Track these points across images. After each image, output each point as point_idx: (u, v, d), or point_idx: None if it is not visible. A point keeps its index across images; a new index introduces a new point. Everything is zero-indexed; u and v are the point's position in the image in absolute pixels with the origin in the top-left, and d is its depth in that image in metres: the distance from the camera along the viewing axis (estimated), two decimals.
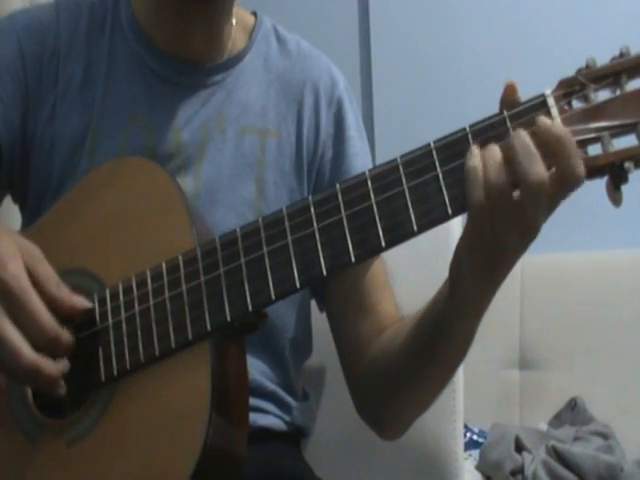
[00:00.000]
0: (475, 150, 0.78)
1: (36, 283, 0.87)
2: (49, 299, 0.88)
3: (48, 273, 0.89)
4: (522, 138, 0.76)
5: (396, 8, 2.61)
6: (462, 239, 0.84)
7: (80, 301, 0.91)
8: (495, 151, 0.78)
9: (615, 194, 0.76)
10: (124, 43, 1.16)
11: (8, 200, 1.21)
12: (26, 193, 1.16)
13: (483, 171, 0.77)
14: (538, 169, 0.75)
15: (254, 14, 1.24)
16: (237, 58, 1.18)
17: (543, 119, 0.76)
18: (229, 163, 1.13)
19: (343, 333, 1.16)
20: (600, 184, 0.78)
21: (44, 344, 0.85)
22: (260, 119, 1.17)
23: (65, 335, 0.87)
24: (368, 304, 1.14)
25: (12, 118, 1.12)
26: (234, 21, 1.19)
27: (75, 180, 1.09)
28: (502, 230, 0.79)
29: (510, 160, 0.77)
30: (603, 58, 0.78)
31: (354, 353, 1.14)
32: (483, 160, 0.77)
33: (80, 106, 1.13)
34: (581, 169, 0.75)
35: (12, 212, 1.23)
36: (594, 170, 0.76)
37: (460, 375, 1.42)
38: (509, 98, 0.81)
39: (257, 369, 1.11)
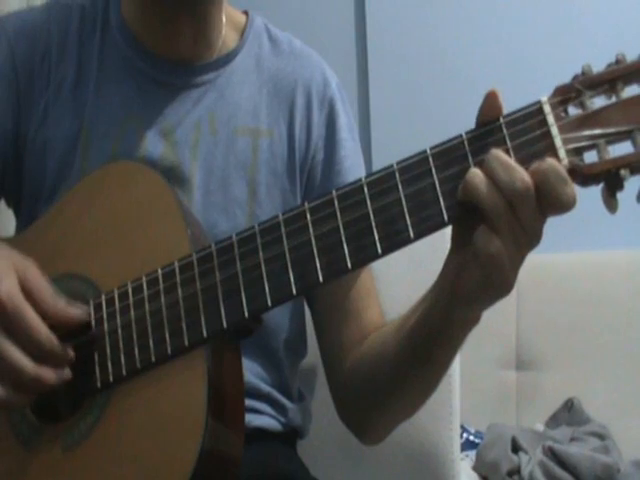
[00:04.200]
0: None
1: (31, 297, 0.87)
2: (45, 312, 0.88)
3: (43, 287, 0.89)
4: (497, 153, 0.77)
5: (392, 8, 2.61)
6: (469, 272, 0.82)
7: (77, 312, 0.91)
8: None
9: (611, 201, 0.76)
10: (114, 45, 1.16)
11: (4, 204, 1.21)
12: (20, 197, 1.16)
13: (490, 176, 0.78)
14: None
15: (245, 13, 1.24)
16: (228, 57, 1.18)
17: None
18: (221, 164, 1.13)
19: (327, 338, 1.16)
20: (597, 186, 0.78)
21: (42, 356, 0.86)
22: (252, 119, 1.16)
23: (61, 345, 0.88)
24: (353, 310, 1.13)
25: (4, 122, 1.12)
26: (224, 18, 1.18)
27: (68, 182, 1.09)
28: (515, 250, 0.78)
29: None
30: (599, 64, 0.78)
31: (337, 358, 1.13)
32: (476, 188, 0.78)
33: (72, 108, 1.13)
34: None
35: (9, 214, 1.22)
36: (590, 177, 0.76)
37: (456, 376, 1.42)
38: (490, 106, 0.80)
39: (252, 371, 1.11)
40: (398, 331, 1.00)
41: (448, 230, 0.84)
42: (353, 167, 1.17)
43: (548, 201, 0.76)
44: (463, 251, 0.82)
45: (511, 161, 0.77)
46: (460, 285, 0.84)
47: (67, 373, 0.89)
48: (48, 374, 0.87)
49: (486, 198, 0.77)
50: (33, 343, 0.85)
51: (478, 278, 0.81)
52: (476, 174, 0.77)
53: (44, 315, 0.88)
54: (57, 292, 0.91)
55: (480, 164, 0.78)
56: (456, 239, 0.84)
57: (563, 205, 0.76)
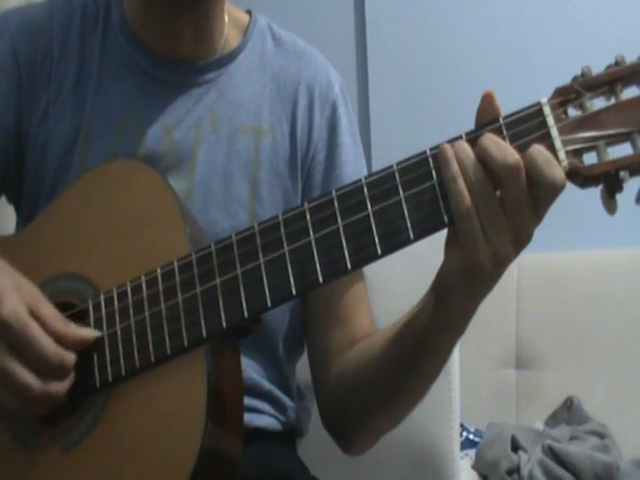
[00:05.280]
0: (449, 152, 0.79)
1: (40, 322, 0.87)
2: (56, 336, 0.88)
3: (51, 312, 0.89)
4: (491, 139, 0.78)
5: (392, 9, 2.61)
6: (451, 255, 0.83)
7: (89, 333, 0.92)
8: (466, 148, 0.79)
9: (610, 202, 0.76)
10: (115, 43, 1.15)
11: (4, 200, 1.21)
12: (20, 193, 1.16)
13: (461, 172, 0.78)
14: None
15: (249, 12, 1.24)
16: (231, 56, 1.18)
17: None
18: (222, 162, 1.13)
19: (315, 342, 1.15)
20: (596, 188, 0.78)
21: (50, 371, 0.86)
22: (254, 118, 1.16)
23: (69, 357, 0.88)
24: (343, 315, 1.13)
25: (6, 118, 1.12)
26: (226, 17, 1.18)
27: (68, 180, 1.09)
28: (494, 237, 0.78)
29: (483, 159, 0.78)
30: (598, 66, 0.78)
31: (323, 363, 1.13)
32: (458, 161, 0.79)
33: (72, 105, 1.13)
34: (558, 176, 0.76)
35: (10, 212, 1.22)
36: (589, 179, 0.76)
37: (456, 374, 1.42)
38: (487, 107, 0.81)
39: (252, 369, 1.11)
40: (385, 337, 1.00)
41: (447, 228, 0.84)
42: (354, 172, 1.16)
43: (537, 182, 0.76)
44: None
45: (504, 142, 0.78)
46: (441, 272, 0.85)
47: (71, 378, 0.89)
48: (56, 388, 0.87)
49: (469, 170, 0.78)
50: (40, 360, 0.86)
51: (456, 262, 0.82)
52: (465, 148, 0.79)
53: (55, 339, 0.88)
54: (64, 317, 0.91)
55: (472, 143, 0.79)
56: (450, 241, 0.85)
57: (551, 184, 0.76)
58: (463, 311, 0.87)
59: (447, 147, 0.80)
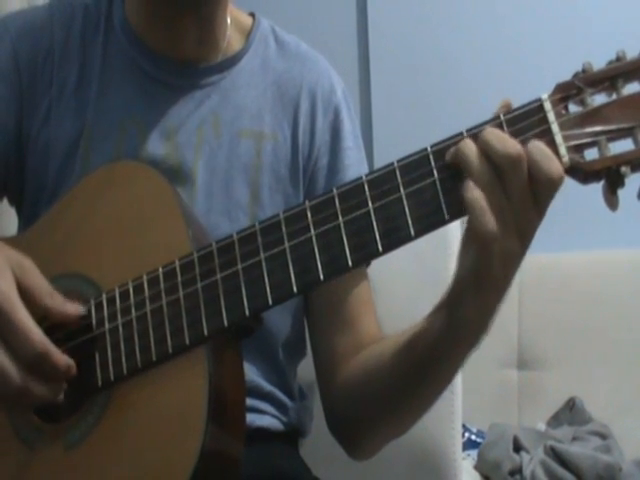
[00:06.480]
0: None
1: (27, 295, 0.86)
2: (42, 309, 0.87)
3: (39, 284, 0.88)
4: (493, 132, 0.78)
5: (394, 10, 2.61)
6: (462, 263, 0.83)
7: (74, 309, 0.90)
8: (469, 143, 0.79)
9: (611, 198, 0.76)
10: (117, 45, 1.15)
11: (6, 202, 1.21)
12: (22, 196, 1.16)
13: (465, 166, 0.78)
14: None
15: (252, 15, 1.24)
16: (234, 59, 1.18)
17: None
18: (224, 166, 1.13)
19: (320, 344, 1.15)
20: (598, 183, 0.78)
21: (33, 360, 0.83)
22: (256, 122, 1.16)
23: (55, 351, 0.85)
24: (348, 318, 1.12)
25: (7, 122, 1.12)
26: (229, 20, 1.18)
27: (70, 182, 1.09)
28: (502, 233, 0.78)
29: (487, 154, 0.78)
30: (600, 62, 0.78)
31: (329, 367, 1.12)
32: (462, 156, 0.79)
33: (74, 109, 1.13)
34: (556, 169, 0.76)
35: (11, 214, 1.22)
36: (591, 174, 0.76)
37: (458, 375, 1.42)
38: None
39: (253, 372, 1.11)
40: (396, 345, 0.99)
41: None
42: (356, 176, 1.16)
43: (535, 177, 0.76)
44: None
45: (505, 134, 0.78)
46: (453, 281, 0.85)
47: (59, 390, 0.87)
48: (36, 388, 0.84)
49: (474, 164, 0.78)
50: (24, 345, 0.83)
51: (467, 269, 0.82)
52: (468, 143, 0.79)
53: (40, 312, 0.86)
54: (54, 289, 0.90)
55: (475, 138, 0.79)
56: (463, 249, 0.85)
57: (549, 179, 0.76)
58: (474, 322, 0.86)
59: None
